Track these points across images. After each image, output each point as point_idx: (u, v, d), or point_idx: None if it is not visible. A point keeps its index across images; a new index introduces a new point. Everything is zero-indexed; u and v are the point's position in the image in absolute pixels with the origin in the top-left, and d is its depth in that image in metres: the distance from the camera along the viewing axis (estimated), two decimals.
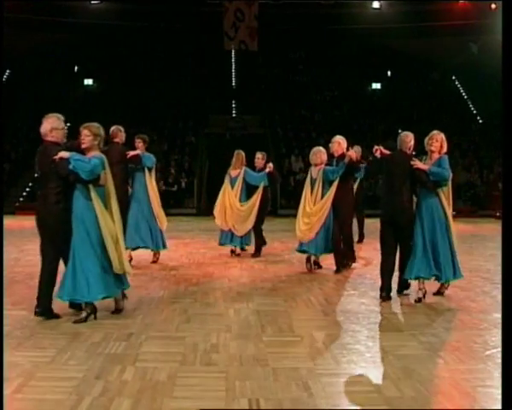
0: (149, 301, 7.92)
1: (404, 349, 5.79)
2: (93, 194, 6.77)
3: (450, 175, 8.19)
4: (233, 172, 12.44)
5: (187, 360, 5.39)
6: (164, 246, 11.27)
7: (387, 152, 8.43)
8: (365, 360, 5.50)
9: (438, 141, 8.07)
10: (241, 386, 4.75)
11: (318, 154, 10.39)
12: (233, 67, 37.54)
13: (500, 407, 4.06)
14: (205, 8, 34.63)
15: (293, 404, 4.44)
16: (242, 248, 12.60)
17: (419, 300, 7.93)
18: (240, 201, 12.26)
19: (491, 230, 18.42)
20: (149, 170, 11.02)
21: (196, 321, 6.82)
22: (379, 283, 8.16)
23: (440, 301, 8.02)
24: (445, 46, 34.59)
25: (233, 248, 12.50)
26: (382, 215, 8.30)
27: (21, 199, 26.80)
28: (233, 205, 12.24)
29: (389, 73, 37.57)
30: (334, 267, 10.30)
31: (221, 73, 36.32)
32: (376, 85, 36.86)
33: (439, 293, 8.32)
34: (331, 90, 36.04)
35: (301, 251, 10.58)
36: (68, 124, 26.50)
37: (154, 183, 11.25)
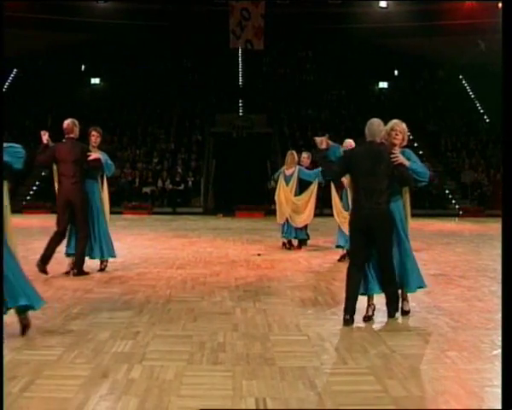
0: (156, 299, 7.92)
1: (411, 349, 5.78)
2: (5, 194, 6.06)
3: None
4: (288, 171, 13.35)
5: (194, 359, 5.39)
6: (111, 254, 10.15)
7: (332, 143, 7.53)
8: (372, 359, 5.49)
9: (401, 133, 6.88)
10: (248, 385, 4.74)
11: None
12: (240, 66, 37.54)
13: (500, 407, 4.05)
14: (211, 7, 34.67)
15: (300, 403, 4.43)
16: (300, 241, 13.48)
17: (368, 318, 6.86)
18: (294, 196, 13.32)
19: (498, 229, 18.36)
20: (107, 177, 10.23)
21: (203, 320, 6.82)
22: None
23: (447, 301, 7.99)
24: (451, 45, 34.57)
25: (285, 241, 13.38)
26: (355, 222, 6.85)
27: (28, 198, 26.88)
28: (288, 199, 13.20)
29: (396, 72, 37.53)
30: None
31: (228, 72, 36.35)
32: (383, 84, 36.84)
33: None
34: (338, 89, 36.03)
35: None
36: None
37: (106, 189, 10.21)
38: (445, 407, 4.41)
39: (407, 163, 6.60)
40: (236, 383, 4.77)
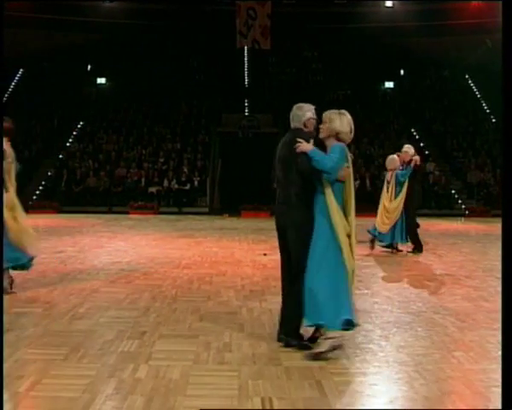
0: (162, 299, 7.93)
1: (417, 349, 5.77)
2: None
3: (336, 169, 5.34)
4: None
5: (200, 359, 5.40)
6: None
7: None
8: (378, 359, 5.48)
9: (326, 123, 5.77)
10: (254, 385, 4.74)
11: (392, 161, 12.81)
12: (246, 66, 37.51)
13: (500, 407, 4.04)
14: (217, 6, 34.67)
15: (306, 403, 4.43)
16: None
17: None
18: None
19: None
20: None
21: (209, 320, 6.83)
22: (392, 282, 8.09)
23: (454, 301, 7.98)
24: (457, 45, 34.49)
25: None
26: (275, 224, 5.96)
27: (35, 197, 26.90)
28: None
29: (402, 71, 37.44)
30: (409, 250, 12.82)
31: (234, 72, 36.31)
32: (389, 84, 36.71)
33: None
34: (344, 88, 35.95)
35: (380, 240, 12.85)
36: (81, 122, 26.50)
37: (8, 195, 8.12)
38: (451, 407, 4.41)
39: (309, 148, 5.54)
40: (242, 383, 4.78)
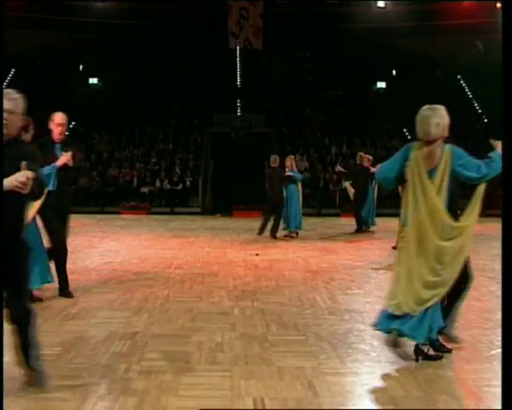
0: (154, 299, 7.92)
1: (409, 348, 5.77)
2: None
3: None
4: None
5: (192, 359, 5.39)
6: None
7: None
8: (370, 359, 5.49)
9: None
10: (246, 385, 4.74)
11: None
12: (238, 66, 37.51)
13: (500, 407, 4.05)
14: (209, 6, 34.66)
15: (298, 403, 4.43)
16: None
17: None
18: None
19: (497, 229, 18.27)
20: None
21: (201, 320, 6.82)
22: (384, 282, 8.09)
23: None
24: (450, 45, 34.58)
25: None
26: None
27: None
28: None
29: (394, 72, 37.51)
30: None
31: (226, 72, 36.30)
32: (381, 84, 36.77)
33: None
34: (336, 89, 35.99)
35: None
36: (73, 123, 26.37)
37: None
38: (443, 407, 4.41)
39: None
40: (234, 383, 4.77)
